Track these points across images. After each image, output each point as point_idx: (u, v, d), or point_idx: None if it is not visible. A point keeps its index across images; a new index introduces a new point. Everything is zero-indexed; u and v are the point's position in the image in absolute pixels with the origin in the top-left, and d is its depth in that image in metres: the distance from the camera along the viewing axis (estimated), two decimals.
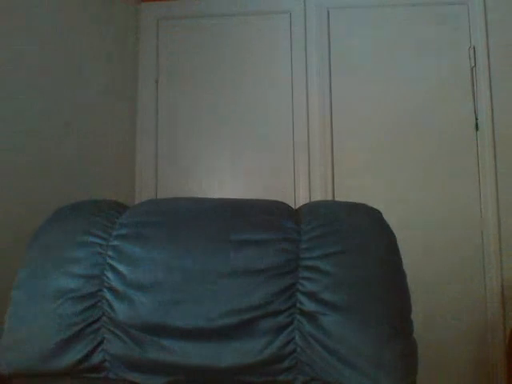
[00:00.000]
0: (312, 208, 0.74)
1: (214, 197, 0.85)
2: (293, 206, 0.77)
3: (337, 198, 1.69)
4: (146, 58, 1.87)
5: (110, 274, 0.67)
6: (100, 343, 0.66)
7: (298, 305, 0.63)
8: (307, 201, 1.70)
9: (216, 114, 1.80)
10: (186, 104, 1.82)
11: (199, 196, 0.87)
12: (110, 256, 0.68)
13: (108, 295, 0.66)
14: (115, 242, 0.69)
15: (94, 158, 1.47)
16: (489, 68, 1.70)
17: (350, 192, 1.68)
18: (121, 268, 0.67)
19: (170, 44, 1.88)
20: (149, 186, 1.79)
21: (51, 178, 1.23)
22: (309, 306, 0.63)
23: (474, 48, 1.71)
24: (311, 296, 0.63)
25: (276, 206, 0.74)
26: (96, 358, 0.66)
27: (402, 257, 0.69)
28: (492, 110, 1.68)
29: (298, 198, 1.70)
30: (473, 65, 1.70)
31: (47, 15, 1.25)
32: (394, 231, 0.70)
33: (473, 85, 1.70)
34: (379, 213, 0.73)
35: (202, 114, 1.81)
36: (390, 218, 0.74)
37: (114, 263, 0.67)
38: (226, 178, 1.76)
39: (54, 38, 1.28)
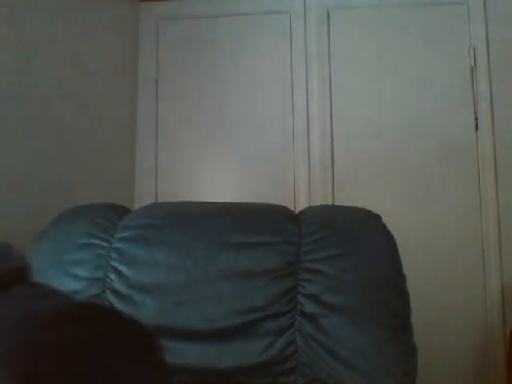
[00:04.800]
0: (312, 212, 0.75)
1: (215, 201, 0.85)
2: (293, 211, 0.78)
3: (337, 203, 1.68)
4: (146, 57, 1.87)
5: (112, 276, 0.67)
6: None
7: (298, 306, 0.64)
8: (307, 206, 1.69)
9: (216, 115, 1.80)
10: (186, 104, 1.82)
11: (199, 200, 0.87)
12: (112, 258, 0.68)
13: (111, 297, 0.67)
14: (118, 244, 0.69)
15: (93, 159, 1.47)
16: (489, 68, 1.70)
17: (350, 196, 1.68)
18: (123, 270, 0.67)
19: (169, 44, 1.88)
20: (149, 187, 1.78)
21: (51, 180, 1.24)
22: (309, 307, 0.63)
23: (474, 48, 1.71)
24: (312, 298, 0.63)
25: (277, 209, 0.75)
26: None
27: (402, 257, 0.69)
28: (492, 110, 1.67)
29: (299, 203, 1.69)
30: (473, 65, 1.70)
31: (46, 16, 1.25)
32: (394, 233, 0.71)
33: (473, 85, 1.70)
34: (379, 217, 0.73)
35: (202, 114, 1.81)
36: (390, 220, 0.75)
37: (117, 265, 0.68)
38: (226, 181, 1.76)
39: (53, 38, 1.28)
